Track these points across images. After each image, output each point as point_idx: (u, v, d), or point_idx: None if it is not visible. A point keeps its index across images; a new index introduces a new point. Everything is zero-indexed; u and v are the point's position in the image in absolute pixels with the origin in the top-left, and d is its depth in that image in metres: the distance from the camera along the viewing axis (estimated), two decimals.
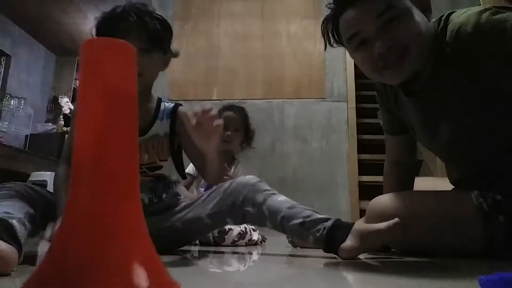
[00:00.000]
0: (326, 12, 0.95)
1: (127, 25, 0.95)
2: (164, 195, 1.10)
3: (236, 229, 1.52)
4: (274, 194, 1.01)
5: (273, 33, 3.12)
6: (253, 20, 3.17)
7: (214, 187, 1.09)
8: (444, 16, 0.87)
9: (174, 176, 1.15)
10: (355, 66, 3.01)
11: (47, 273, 0.32)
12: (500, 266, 0.81)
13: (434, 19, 0.90)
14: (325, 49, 0.98)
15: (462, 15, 0.84)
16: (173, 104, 1.12)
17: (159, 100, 1.12)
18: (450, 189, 1.08)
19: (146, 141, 1.05)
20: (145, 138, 1.05)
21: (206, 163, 0.98)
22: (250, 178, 1.05)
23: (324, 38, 0.96)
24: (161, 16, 1.02)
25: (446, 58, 0.86)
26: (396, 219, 0.85)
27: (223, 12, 3.20)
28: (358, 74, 3.26)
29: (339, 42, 0.94)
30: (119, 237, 0.33)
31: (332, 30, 0.94)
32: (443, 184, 1.12)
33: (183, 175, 1.17)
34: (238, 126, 1.84)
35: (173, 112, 1.10)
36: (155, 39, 0.99)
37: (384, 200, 1.01)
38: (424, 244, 0.99)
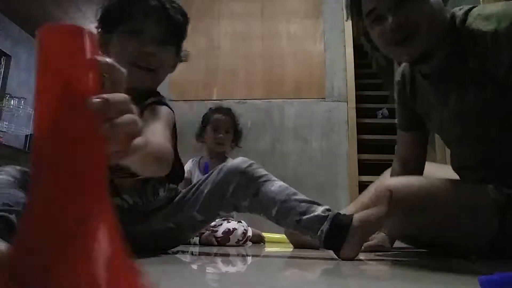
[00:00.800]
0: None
1: (146, 9, 0.84)
2: (153, 198, 1.00)
3: (240, 228, 1.54)
4: (267, 181, 0.95)
5: (273, 33, 3.12)
6: (253, 20, 3.16)
7: (205, 176, 1.02)
8: (467, 8, 0.91)
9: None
10: (355, 66, 3.02)
11: (9, 271, 0.30)
12: (501, 266, 0.81)
13: (459, 8, 0.93)
14: (346, 20, 1.03)
15: (486, 10, 0.87)
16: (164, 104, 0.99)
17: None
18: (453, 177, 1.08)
19: None
20: None
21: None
22: (241, 163, 0.98)
23: (347, 11, 1.00)
24: (180, 5, 0.91)
25: (460, 45, 0.89)
26: (388, 192, 0.87)
27: (223, 12, 3.19)
28: (358, 74, 3.26)
29: (359, 16, 0.98)
30: (83, 237, 0.31)
31: (355, 4, 0.98)
32: (442, 170, 1.14)
33: (176, 181, 1.06)
34: (229, 128, 1.88)
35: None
36: (175, 30, 0.89)
37: (396, 183, 0.98)
38: (434, 234, 0.98)
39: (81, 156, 0.32)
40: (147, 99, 0.92)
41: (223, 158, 1.88)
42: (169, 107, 0.95)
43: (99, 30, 0.90)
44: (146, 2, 0.84)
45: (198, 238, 1.54)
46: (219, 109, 1.97)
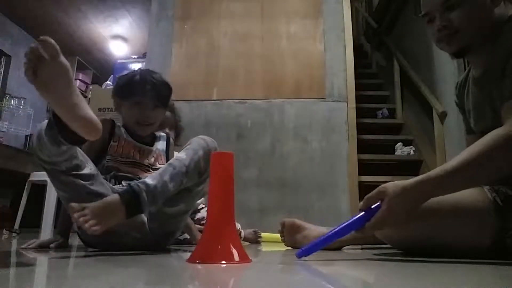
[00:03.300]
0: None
1: (144, 89, 1.33)
2: None
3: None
4: None
5: (273, 33, 3.12)
6: (253, 20, 3.16)
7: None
8: None
9: None
10: (355, 66, 3.02)
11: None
12: (501, 266, 0.81)
13: None
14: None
15: None
16: (164, 134, 1.55)
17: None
18: None
19: (152, 150, 1.43)
20: (151, 148, 1.44)
21: None
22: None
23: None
24: (166, 81, 1.41)
25: (501, 46, 0.99)
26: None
27: (223, 12, 3.19)
28: (358, 74, 3.25)
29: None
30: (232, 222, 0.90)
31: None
32: None
33: None
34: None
35: (167, 139, 1.53)
36: (163, 100, 1.39)
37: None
38: (434, 238, 0.98)
39: (228, 192, 0.90)
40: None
41: None
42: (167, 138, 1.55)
43: (115, 97, 1.41)
44: (143, 85, 1.33)
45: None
46: None
